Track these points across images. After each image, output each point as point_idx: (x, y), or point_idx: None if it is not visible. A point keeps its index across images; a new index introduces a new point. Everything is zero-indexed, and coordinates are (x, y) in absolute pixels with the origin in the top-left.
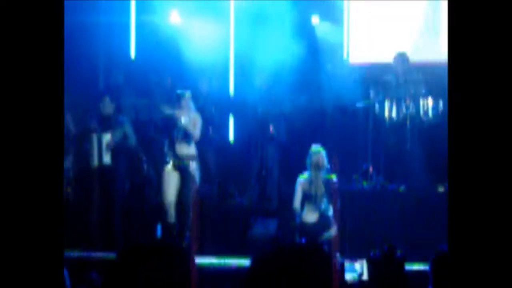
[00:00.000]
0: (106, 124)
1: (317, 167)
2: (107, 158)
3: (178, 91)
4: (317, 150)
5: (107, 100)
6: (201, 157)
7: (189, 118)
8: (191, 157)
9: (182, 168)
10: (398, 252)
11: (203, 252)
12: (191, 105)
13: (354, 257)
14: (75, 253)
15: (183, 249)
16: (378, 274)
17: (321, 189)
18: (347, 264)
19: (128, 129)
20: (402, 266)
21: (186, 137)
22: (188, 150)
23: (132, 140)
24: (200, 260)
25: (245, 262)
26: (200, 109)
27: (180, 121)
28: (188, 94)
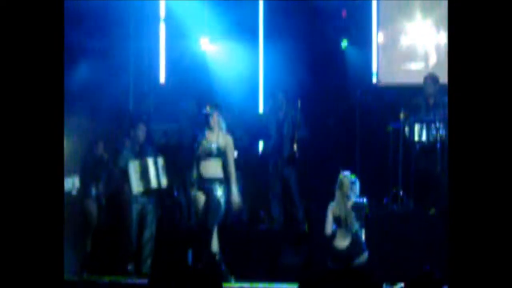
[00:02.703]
0: (138, 150)
1: (346, 191)
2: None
3: (205, 111)
4: (345, 175)
5: (141, 126)
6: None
7: (217, 139)
8: (217, 180)
9: (207, 191)
10: (437, 274)
11: (234, 277)
12: (222, 125)
13: (387, 281)
14: (105, 280)
15: (212, 275)
16: None
17: (351, 214)
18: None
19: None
20: None
21: (212, 158)
22: (213, 171)
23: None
24: (231, 285)
25: (276, 287)
26: (230, 132)
27: (208, 141)
28: (216, 113)
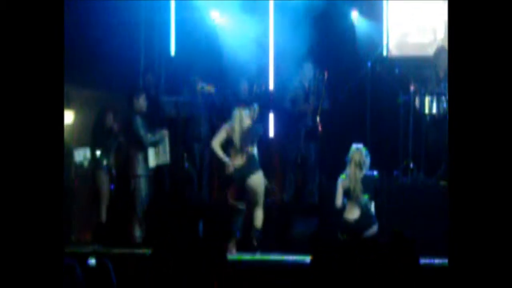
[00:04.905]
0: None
1: (357, 164)
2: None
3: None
4: (357, 147)
5: (142, 97)
6: None
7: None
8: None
9: None
10: (407, 237)
11: (245, 249)
12: (246, 119)
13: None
14: (115, 251)
15: (216, 246)
16: (384, 261)
17: (362, 186)
18: None
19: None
20: (411, 253)
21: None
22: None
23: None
24: (242, 255)
25: (286, 258)
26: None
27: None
28: (239, 110)
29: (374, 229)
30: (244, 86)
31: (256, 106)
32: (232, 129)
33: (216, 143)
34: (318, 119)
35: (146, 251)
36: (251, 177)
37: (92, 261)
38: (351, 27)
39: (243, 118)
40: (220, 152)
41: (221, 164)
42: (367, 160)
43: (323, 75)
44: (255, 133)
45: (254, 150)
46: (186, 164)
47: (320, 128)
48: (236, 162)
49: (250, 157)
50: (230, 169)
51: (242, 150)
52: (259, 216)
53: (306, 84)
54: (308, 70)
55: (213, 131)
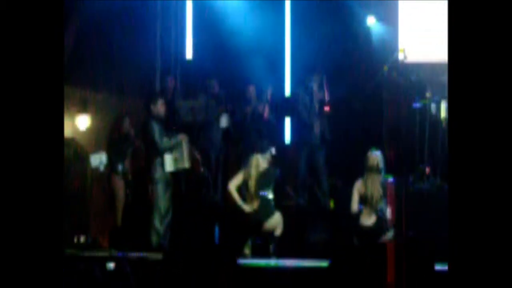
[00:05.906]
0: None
1: (374, 169)
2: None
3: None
4: (374, 152)
5: (160, 102)
6: None
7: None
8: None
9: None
10: (422, 243)
11: (260, 254)
12: (262, 164)
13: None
14: (134, 254)
15: (227, 248)
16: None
17: (378, 192)
18: None
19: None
20: (426, 258)
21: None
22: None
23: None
24: (257, 261)
25: (301, 263)
26: (254, 109)
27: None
28: (255, 156)
29: (389, 234)
30: (251, 92)
31: (273, 151)
32: (248, 174)
33: (233, 187)
34: (325, 125)
35: (162, 255)
36: (268, 221)
37: (111, 265)
38: (367, 32)
39: (259, 163)
40: (236, 196)
41: (236, 208)
42: (383, 165)
43: (323, 79)
44: (272, 177)
45: (270, 194)
46: (202, 168)
47: (327, 134)
48: (250, 206)
49: (265, 201)
50: (245, 209)
51: (257, 195)
52: (278, 230)
53: (314, 89)
54: (313, 75)
55: (228, 135)
